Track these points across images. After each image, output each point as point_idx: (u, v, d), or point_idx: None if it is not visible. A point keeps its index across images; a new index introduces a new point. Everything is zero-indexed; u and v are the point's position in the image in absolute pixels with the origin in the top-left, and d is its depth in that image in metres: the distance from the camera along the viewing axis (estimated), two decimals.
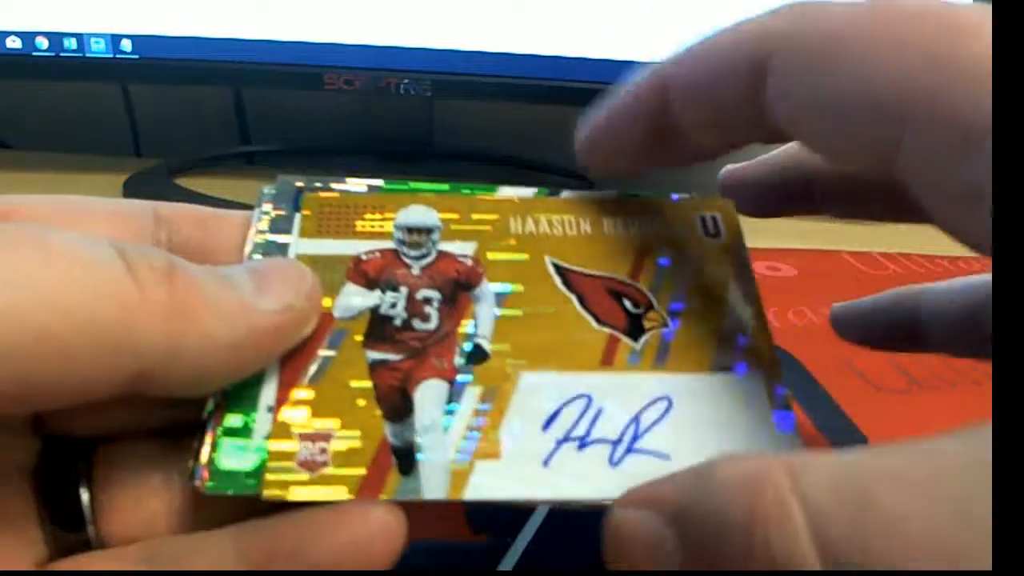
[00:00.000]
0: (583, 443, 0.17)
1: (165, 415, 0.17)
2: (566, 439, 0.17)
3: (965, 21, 0.13)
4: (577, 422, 0.17)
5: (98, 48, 0.51)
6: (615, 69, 0.52)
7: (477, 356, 0.18)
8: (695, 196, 0.22)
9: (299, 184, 0.20)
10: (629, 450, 0.17)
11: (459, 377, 0.18)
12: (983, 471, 0.11)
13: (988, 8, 0.14)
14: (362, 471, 0.16)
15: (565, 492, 0.16)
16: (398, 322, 0.18)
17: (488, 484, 0.16)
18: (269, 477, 0.16)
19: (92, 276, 0.13)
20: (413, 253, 0.19)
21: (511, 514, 0.24)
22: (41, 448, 0.17)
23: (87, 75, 0.52)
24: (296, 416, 0.17)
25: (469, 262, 0.19)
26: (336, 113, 0.67)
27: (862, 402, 0.34)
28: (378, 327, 0.18)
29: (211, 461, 0.16)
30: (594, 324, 0.19)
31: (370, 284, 0.19)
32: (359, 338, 0.18)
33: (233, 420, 0.16)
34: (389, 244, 0.20)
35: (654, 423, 0.17)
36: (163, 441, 0.17)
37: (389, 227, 0.20)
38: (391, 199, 0.20)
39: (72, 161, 0.59)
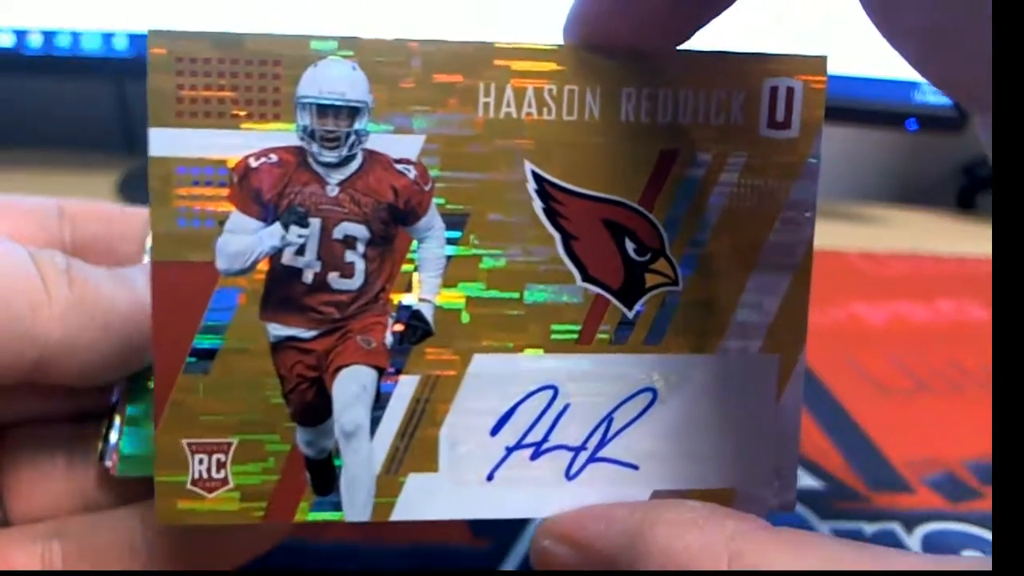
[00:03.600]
0: (538, 451, 0.14)
1: (69, 404, 0.18)
2: (518, 446, 0.14)
3: None
4: (535, 423, 0.14)
5: (92, 45, 0.50)
6: None
7: (417, 331, 0.14)
8: (766, 54, 0.15)
9: None
10: (591, 459, 0.15)
11: (392, 362, 0.14)
12: None
13: None
14: (270, 489, 0.14)
15: (507, 511, 0.15)
16: (308, 278, 0.14)
17: (420, 503, 0.14)
18: (160, 501, 0.14)
19: (8, 273, 0.15)
20: (328, 156, 0.13)
21: (513, 519, 0.24)
22: None
23: (80, 72, 0.52)
24: (182, 419, 0.14)
25: (412, 173, 0.14)
26: None
27: (867, 403, 0.33)
28: (280, 285, 0.14)
29: (118, 447, 0.16)
30: (579, 279, 0.14)
31: (265, 212, 0.13)
32: (255, 302, 0.13)
33: (133, 410, 0.17)
34: (290, 137, 0.13)
35: (629, 423, 0.15)
36: (68, 426, 0.18)
37: (288, 104, 0.13)
38: (290, 48, 0.13)
39: (65, 159, 0.59)
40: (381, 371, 0.14)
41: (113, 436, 0.17)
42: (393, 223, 0.14)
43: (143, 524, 0.16)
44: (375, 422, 0.14)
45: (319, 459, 0.14)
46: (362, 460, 0.14)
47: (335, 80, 0.13)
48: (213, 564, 0.16)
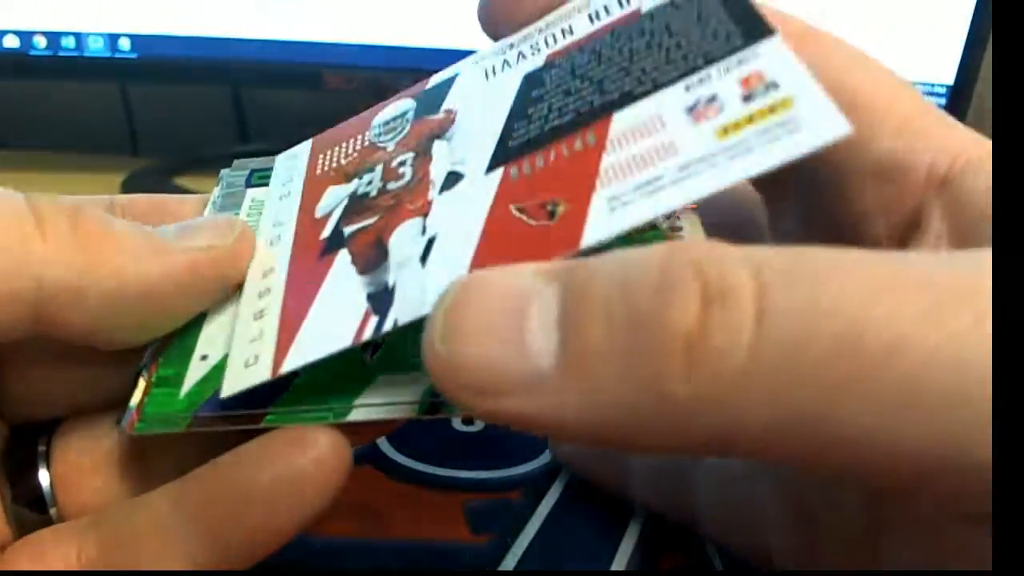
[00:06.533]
0: None
1: (118, 394, 0.18)
2: None
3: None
4: None
5: (96, 47, 0.50)
6: None
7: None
8: None
9: (253, 166, 0.21)
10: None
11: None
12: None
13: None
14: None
15: None
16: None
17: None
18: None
19: None
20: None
21: (511, 515, 0.24)
22: (8, 433, 0.17)
23: (85, 74, 0.52)
24: None
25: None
26: (335, 112, 0.66)
27: None
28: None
29: (141, 406, 0.16)
30: None
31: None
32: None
33: (165, 371, 0.17)
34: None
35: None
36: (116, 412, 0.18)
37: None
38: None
39: (69, 161, 0.59)
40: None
41: (135, 399, 0.16)
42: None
43: (176, 506, 0.15)
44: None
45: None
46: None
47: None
48: (241, 548, 0.15)
